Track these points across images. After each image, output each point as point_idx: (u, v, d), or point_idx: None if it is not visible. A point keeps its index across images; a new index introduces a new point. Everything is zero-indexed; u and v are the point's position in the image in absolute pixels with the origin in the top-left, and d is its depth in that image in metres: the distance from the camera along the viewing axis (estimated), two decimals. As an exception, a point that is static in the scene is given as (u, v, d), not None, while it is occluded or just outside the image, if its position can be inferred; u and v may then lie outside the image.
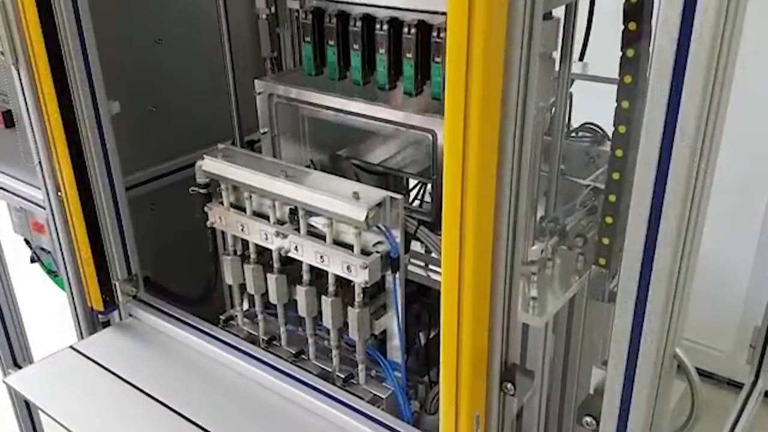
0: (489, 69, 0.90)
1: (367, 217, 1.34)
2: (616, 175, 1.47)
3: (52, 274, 2.30)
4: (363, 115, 1.55)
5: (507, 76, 0.93)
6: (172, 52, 2.04)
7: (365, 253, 1.42)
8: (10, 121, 1.91)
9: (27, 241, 2.29)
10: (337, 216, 1.39)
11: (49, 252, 2.23)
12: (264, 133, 1.78)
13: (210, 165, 1.59)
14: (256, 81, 1.73)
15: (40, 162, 1.82)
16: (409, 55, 1.46)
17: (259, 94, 1.73)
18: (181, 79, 2.08)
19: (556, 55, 1.41)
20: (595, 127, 2.04)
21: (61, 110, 1.61)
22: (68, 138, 1.63)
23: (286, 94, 1.68)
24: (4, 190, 2.09)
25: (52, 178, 1.82)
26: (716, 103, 0.90)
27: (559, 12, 1.35)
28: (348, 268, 1.42)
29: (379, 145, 1.78)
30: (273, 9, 1.82)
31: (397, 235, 1.40)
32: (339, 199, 1.38)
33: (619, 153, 1.45)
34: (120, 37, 1.86)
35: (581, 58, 1.95)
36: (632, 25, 1.36)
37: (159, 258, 2.03)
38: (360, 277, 1.41)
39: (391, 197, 1.38)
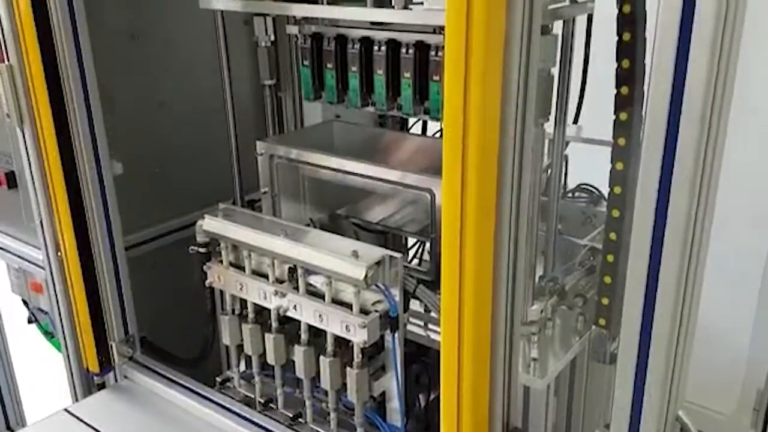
0: (486, 128, 0.92)
1: (366, 275, 1.34)
2: (613, 235, 1.48)
3: (49, 335, 2.28)
4: (362, 175, 1.57)
5: (503, 136, 0.95)
6: (175, 114, 2.08)
7: (364, 312, 1.42)
8: (13, 181, 1.93)
9: (25, 302, 2.28)
10: (337, 274, 1.40)
11: (47, 313, 2.22)
12: (264, 192, 1.80)
13: (210, 224, 1.60)
14: (258, 142, 1.77)
15: (41, 222, 1.83)
16: (407, 75, 1.50)
17: (261, 155, 1.76)
18: (182, 141, 2.11)
19: (551, 119, 1.44)
20: (590, 188, 2.07)
21: (64, 171, 1.63)
22: (70, 198, 1.65)
23: (286, 154, 1.71)
24: (4, 250, 2.09)
25: (52, 239, 1.83)
26: (710, 166, 0.92)
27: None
28: (347, 327, 1.41)
29: (378, 204, 1.80)
30: (272, 37, 1.86)
31: (396, 293, 1.40)
32: (338, 258, 1.38)
33: (615, 213, 1.46)
34: (124, 99, 1.90)
35: (575, 122, 1.99)
36: (624, 90, 1.40)
37: (156, 318, 2.01)
38: (359, 337, 1.40)
39: (390, 256, 1.39)
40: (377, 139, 1.91)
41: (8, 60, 1.69)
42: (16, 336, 2.58)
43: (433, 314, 1.59)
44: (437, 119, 1.55)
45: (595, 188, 2.04)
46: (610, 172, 1.45)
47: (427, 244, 1.80)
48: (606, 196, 1.96)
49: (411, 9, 1.42)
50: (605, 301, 1.54)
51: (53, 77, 1.59)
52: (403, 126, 2.31)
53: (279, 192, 1.79)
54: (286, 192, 1.80)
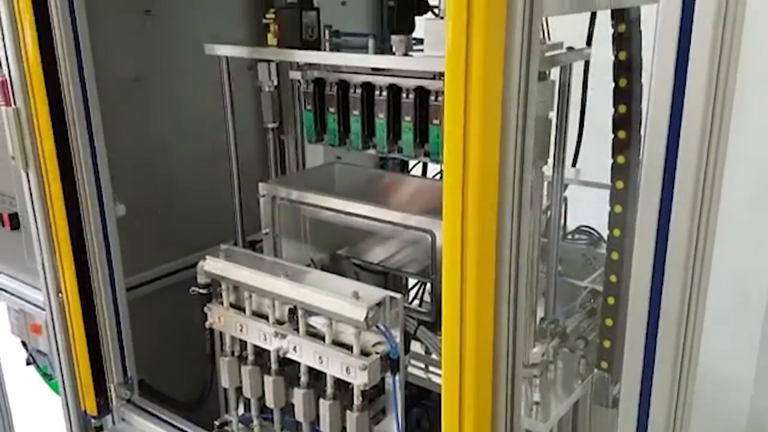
0: (485, 171, 0.94)
1: (366, 316, 1.34)
2: (613, 278, 1.49)
3: (47, 377, 2.26)
4: (364, 216, 1.58)
5: (502, 179, 0.96)
6: (176, 156, 2.11)
7: (365, 353, 1.41)
8: (16, 223, 1.94)
9: (24, 343, 2.27)
10: (337, 315, 1.39)
11: (46, 354, 2.21)
12: (266, 233, 1.81)
13: (212, 265, 1.60)
14: (260, 184, 1.78)
15: (42, 264, 1.84)
16: (407, 119, 1.53)
17: (263, 196, 1.78)
18: (182, 182, 2.13)
19: (549, 162, 1.46)
20: (590, 230, 2.08)
21: (67, 213, 1.64)
22: (73, 240, 1.66)
23: (288, 196, 1.73)
24: (5, 291, 2.09)
25: (53, 280, 1.83)
26: (707, 209, 0.93)
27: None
28: (347, 369, 1.41)
29: (379, 244, 1.80)
30: (276, 82, 1.90)
31: (397, 335, 1.40)
32: (339, 299, 1.38)
33: (615, 256, 1.47)
34: (126, 140, 1.92)
35: (573, 165, 2.02)
36: (622, 134, 1.42)
37: (153, 361, 2.00)
38: (359, 379, 1.39)
39: (391, 297, 1.39)
40: (378, 181, 1.93)
41: (15, 103, 1.71)
42: (13, 378, 2.56)
43: (434, 356, 1.58)
44: (437, 161, 1.57)
45: (594, 230, 2.05)
46: (609, 215, 1.47)
47: (428, 285, 1.81)
48: (603, 237, 1.98)
49: (411, 56, 1.46)
50: (607, 344, 1.53)
51: (59, 120, 1.61)
52: (404, 167, 2.34)
53: (280, 233, 1.80)
54: (287, 233, 1.81)
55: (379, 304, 1.37)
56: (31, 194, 1.78)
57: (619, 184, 1.42)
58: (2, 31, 1.65)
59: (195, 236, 2.18)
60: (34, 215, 1.79)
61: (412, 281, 1.92)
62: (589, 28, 1.53)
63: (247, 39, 2.25)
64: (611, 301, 1.48)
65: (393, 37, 1.45)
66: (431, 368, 1.61)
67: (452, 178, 0.96)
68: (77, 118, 1.60)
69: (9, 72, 1.69)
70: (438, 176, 1.94)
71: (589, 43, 1.59)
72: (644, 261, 0.91)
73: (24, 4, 1.52)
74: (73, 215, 1.66)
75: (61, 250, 1.68)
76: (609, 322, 1.50)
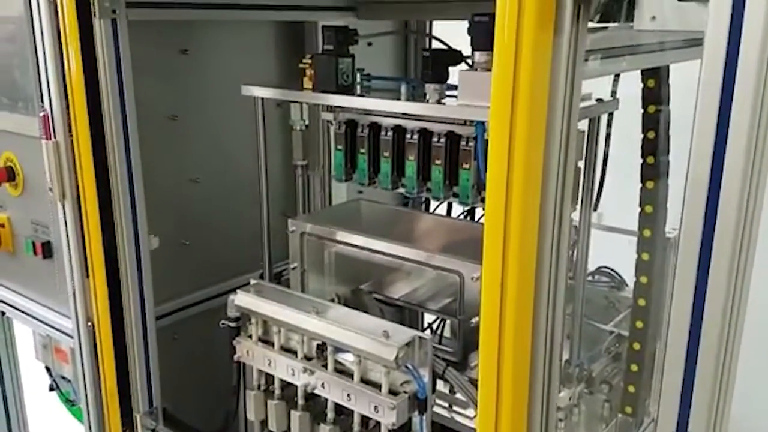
0: (527, 220, 0.97)
1: (396, 356, 1.36)
2: (639, 324, 1.51)
3: (70, 403, 2.28)
4: (393, 255, 1.62)
5: (543, 224, 0.99)
6: (204, 189, 2.16)
7: (393, 392, 1.43)
8: (48, 252, 1.98)
9: (48, 369, 2.30)
10: (367, 354, 1.42)
11: (70, 381, 2.24)
12: (294, 268, 1.85)
13: (242, 300, 1.64)
14: (289, 221, 1.83)
15: (74, 292, 1.87)
16: (438, 162, 1.57)
17: (292, 232, 1.82)
18: (209, 214, 2.18)
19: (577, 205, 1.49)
20: (610, 271, 2.10)
21: (103, 244, 1.68)
22: (108, 271, 1.69)
23: (318, 233, 1.77)
24: (32, 317, 2.13)
25: (84, 309, 1.87)
26: (744, 265, 0.94)
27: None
28: (375, 408, 1.43)
29: (402, 280, 1.83)
30: (306, 122, 1.95)
31: (425, 375, 1.42)
32: (369, 338, 1.41)
33: (641, 302, 1.50)
34: (159, 175, 1.97)
35: (595, 209, 2.05)
36: (650, 184, 1.46)
37: (177, 390, 2.02)
38: (387, 419, 1.41)
39: (420, 336, 1.41)
40: (402, 218, 1.97)
41: (55, 137, 1.77)
42: (34, 402, 2.59)
43: (458, 395, 1.60)
44: (465, 203, 1.60)
45: (614, 272, 2.08)
46: (636, 262, 1.50)
47: (446, 322, 1.84)
48: (625, 280, 2.01)
49: (444, 104, 1.51)
50: (632, 389, 1.56)
51: (99, 154, 1.66)
52: (426, 205, 2.38)
53: (308, 267, 1.83)
54: (313, 267, 1.84)
55: (408, 344, 1.40)
56: (66, 225, 1.82)
57: (647, 233, 1.46)
58: (46, 68, 1.72)
59: (219, 267, 2.23)
60: (68, 245, 1.84)
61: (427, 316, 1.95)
62: (613, 85, 1.57)
63: (278, 78, 2.33)
64: (637, 346, 1.51)
65: (428, 85, 1.50)
66: (455, 408, 1.63)
67: (493, 224, 0.99)
68: (117, 152, 1.65)
69: (51, 106, 1.75)
70: (463, 216, 1.97)
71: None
72: (682, 317, 0.92)
73: (72, 43, 1.58)
74: (108, 246, 1.70)
75: (95, 280, 1.71)
76: (634, 367, 1.52)
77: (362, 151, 1.72)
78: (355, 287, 1.87)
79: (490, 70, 1.40)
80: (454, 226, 1.85)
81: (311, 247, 1.81)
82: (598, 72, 1.03)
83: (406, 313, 1.88)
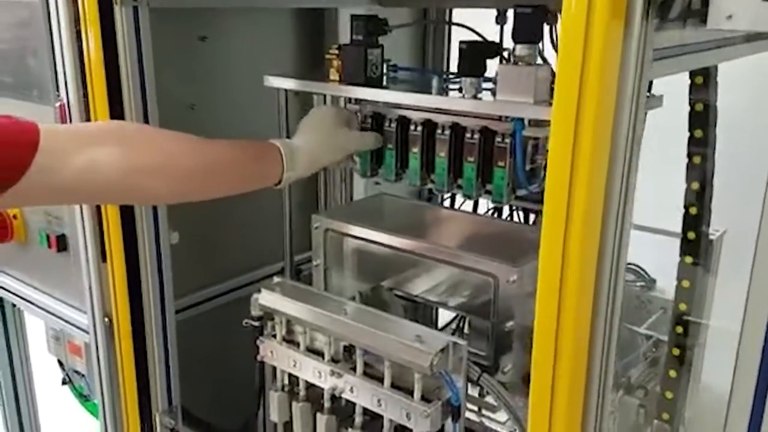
0: (588, 227, 0.92)
1: (431, 363, 1.32)
2: (679, 329, 1.47)
3: (83, 398, 2.25)
4: (425, 256, 1.57)
5: (605, 232, 0.94)
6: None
7: (425, 398, 1.39)
8: (63, 245, 1.93)
9: (60, 363, 2.26)
10: (401, 360, 1.37)
11: (83, 375, 2.20)
12: (317, 265, 1.80)
13: (267, 299, 1.59)
14: (312, 216, 1.77)
15: (90, 287, 1.82)
16: (470, 159, 1.51)
17: (316, 228, 1.77)
18: (226, 208, 2.12)
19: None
20: (637, 268, 2.05)
21: (124, 239, 1.63)
22: (128, 266, 1.64)
23: (344, 230, 1.71)
24: (46, 311, 2.08)
25: (100, 304, 1.82)
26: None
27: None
28: (408, 415, 1.38)
29: (424, 277, 1.77)
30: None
31: (459, 381, 1.37)
32: (403, 344, 1.36)
33: (682, 307, 1.45)
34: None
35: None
36: (695, 185, 1.40)
37: (194, 387, 1.98)
38: (420, 426, 1.36)
39: (455, 342, 1.36)
40: (428, 215, 1.91)
41: (72, 127, 1.71)
42: (46, 397, 2.55)
43: (487, 399, 1.56)
44: (499, 202, 1.55)
45: (643, 270, 2.03)
46: (679, 265, 1.45)
47: (466, 321, 1.80)
48: (654, 279, 1.96)
49: (480, 98, 1.44)
50: (669, 395, 1.51)
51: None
52: (443, 200, 2.32)
53: (331, 265, 1.78)
54: (336, 264, 1.79)
55: (443, 350, 1.35)
56: (82, 218, 1.77)
57: (691, 235, 1.41)
58: (63, 56, 1.66)
59: (236, 261, 2.18)
60: (84, 239, 1.79)
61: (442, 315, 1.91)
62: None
63: (295, 67, 2.26)
64: (676, 352, 1.46)
65: (464, 79, 1.44)
66: (485, 411, 1.59)
67: (553, 229, 0.94)
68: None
69: (68, 96, 1.69)
70: (490, 213, 1.92)
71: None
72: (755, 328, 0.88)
73: (92, 31, 1.52)
74: (128, 241, 1.65)
75: (114, 276, 1.66)
76: (673, 373, 1.48)
77: (390, 146, 1.66)
78: (380, 285, 1.82)
79: (531, 64, 1.35)
80: (482, 224, 1.79)
81: (335, 244, 1.76)
82: (666, 71, 0.97)
83: (420, 312, 1.83)
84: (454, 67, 2.47)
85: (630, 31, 0.84)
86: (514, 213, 1.92)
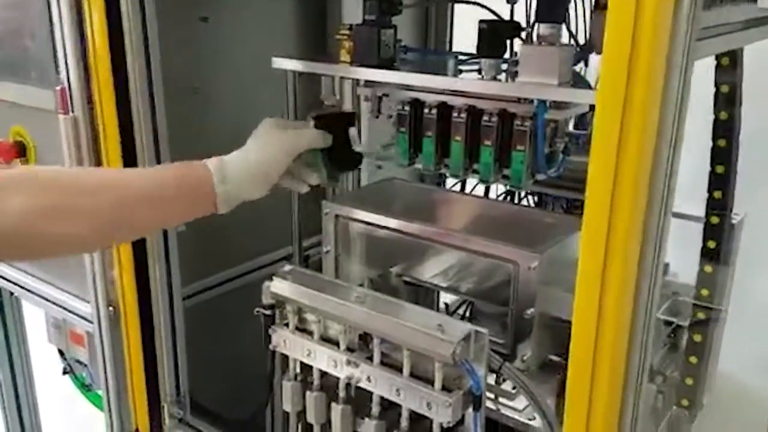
0: (633, 216, 0.89)
1: (454, 352, 1.29)
2: (701, 314, 1.45)
3: (85, 388, 2.21)
4: (443, 243, 1.53)
5: (649, 218, 0.91)
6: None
7: (445, 388, 1.36)
8: (64, 232, 1.88)
9: (61, 352, 2.22)
10: (421, 350, 1.34)
11: (86, 365, 2.16)
12: (327, 252, 1.76)
13: (279, 287, 1.55)
14: (323, 202, 1.74)
15: (93, 275, 1.78)
16: (488, 143, 1.47)
17: (326, 214, 1.73)
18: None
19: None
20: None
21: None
22: (135, 253, 1.60)
23: (356, 216, 1.68)
24: (47, 300, 2.04)
25: (104, 293, 1.78)
26: None
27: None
28: (428, 404, 1.35)
29: (435, 263, 1.74)
30: (338, 96, 1.84)
31: (481, 370, 1.35)
32: (424, 333, 1.33)
33: (704, 292, 1.43)
34: (183, 153, 1.86)
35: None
36: (720, 168, 1.38)
37: (200, 377, 1.95)
38: (442, 416, 1.34)
39: (476, 331, 1.33)
40: (440, 199, 1.88)
41: (73, 111, 1.66)
42: (45, 387, 2.51)
43: (504, 387, 1.53)
44: (517, 186, 1.52)
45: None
46: (702, 250, 1.43)
47: (472, 306, 1.77)
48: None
49: (500, 80, 1.41)
50: (689, 381, 1.50)
51: (124, 133, 1.56)
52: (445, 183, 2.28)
53: (341, 252, 1.75)
54: (346, 251, 1.76)
55: (465, 339, 1.32)
56: (86, 205, 1.73)
57: (714, 219, 1.38)
58: (63, 37, 1.60)
59: (240, 247, 2.14)
60: (88, 227, 1.74)
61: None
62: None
63: (298, 48, 2.21)
64: (698, 338, 1.45)
65: (483, 60, 1.40)
66: (501, 399, 1.56)
67: (596, 215, 0.91)
68: (144, 130, 1.55)
69: (69, 79, 1.64)
70: (502, 198, 1.89)
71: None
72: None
73: (96, 11, 1.46)
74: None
75: (121, 262, 1.62)
76: (694, 359, 1.46)
77: (402, 129, 1.62)
78: (390, 272, 1.79)
79: (554, 44, 1.31)
80: (496, 209, 1.76)
81: (347, 231, 1.72)
82: (711, 50, 0.94)
83: (421, 299, 1.80)
84: (457, 47, 2.43)
85: (679, 8, 0.80)
86: (519, 198, 1.91)
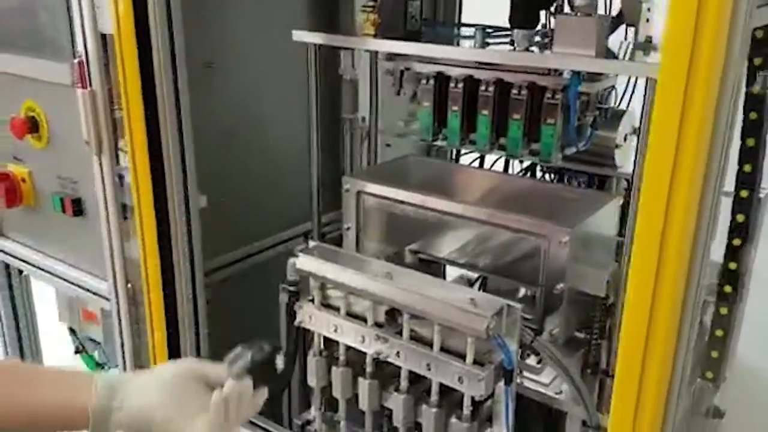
0: (691, 194, 0.88)
1: (488, 327, 1.29)
2: (728, 288, 1.45)
3: (99, 367, 2.19)
4: (470, 218, 1.53)
5: (704, 198, 0.91)
6: (240, 144, 2.03)
7: (476, 362, 1.36)
8: (78, 209, 1.86)
9: (72, 330, 2.20)
10: (455, 324, 1.34)
11: (99, 343, 2.14)
12: (347, 228, 1.75)
13: (305, 263, 1.54)
14: (343, 178, 1.72)
15: (111, 252, 1.76)
16: (516, 117, 1.46)
17: (347, 191, 1.72)
18: (250, 170, 2.06)
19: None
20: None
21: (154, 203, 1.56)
22: (159, 230, 1.58)
23: (378, 192, 1.66)
24: (59, 277, 2.01)
25: (122, 269, 1.76)
26: None
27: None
28: (459, 378, 1.36)
29: (454, 239, 1.73)
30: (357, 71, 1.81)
31: (513, 345, 1.35)
32: (457, 308, 1.33)
33: (732, 265, 1.44)
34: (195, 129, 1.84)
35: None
36: (750, 141, 1.38)
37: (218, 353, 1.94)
38: (474, 390, 1.34)
39: (509, 305, 1.34)
40: (458, 175, 1.87)
41: (91, 85, 1.63)
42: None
43: (528, 361, 1.54)
44: (547, 161, 1.51)
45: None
46: (731, 223, 1.43)
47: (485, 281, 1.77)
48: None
49: (532, 51, 1.39)
50: (715, 354, 1.51)
51: (149, 104, 1.53)
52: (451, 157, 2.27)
53: (362, 228, 1.74)
54: (368, 227, 1.75)
55: (497, 313, 1.32)
56: (103, 181, 1.70)
57: (744, 193, 1.39)
58: (81, 9, 1.56)
59: (256, 224, 2.12)
60: (105, 203, 1.72)
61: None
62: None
63: (310, 22, 2.17)
64: (724, 311, 1.46)
65: (516, 31, 1.39)
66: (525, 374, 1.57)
67: (654, 196, 0.90)
68: (167, 104, 1.52)
69: (86, 52, 1.60)
70: (522, 174, 1.88)
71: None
72: None
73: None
74: (160, 205, 1.58)
75: (145, 239, 1.60)
76: (720, 332, 1.47)
77: (426, 104, 1.60)
78: (403, 247, 1.78)
79: (590, 14, 1.30)
80: (519, 184, 1.76)
81: (368, 207, 1.71)
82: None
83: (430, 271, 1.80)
84: (465, 19, 2.40)
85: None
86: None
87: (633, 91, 1.72)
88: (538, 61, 1.37)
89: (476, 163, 1.95)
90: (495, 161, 1.92)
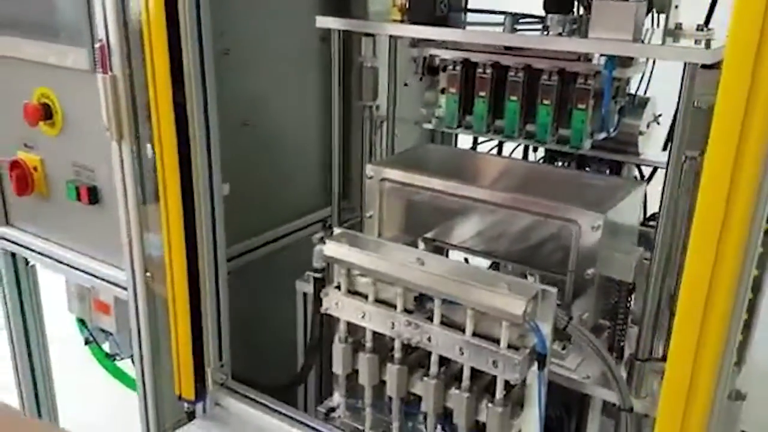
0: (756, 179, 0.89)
1: (525, 311, 1.30)
2: (755, 271, 1.47)
3: (110, 358, 2.17)
4: (498, 204, 1.53)
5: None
6: (258, 134, 2.01)
7: (510, 346, 1.37)
8: (94, 197, 1.83)
9: (82, 321, 2.17)
10: (491, 309, 1.34)
11: (110, 334, 2.11)
12: (370, 216, 1.75)
13: (333, 250, 1.53)
14: (367, 165, 1.72)
15: (130, 241, 1.74)
16: (546, 102, 1.47)
17: (370, 178, 1.71)
18: (264, 159, 2.05)
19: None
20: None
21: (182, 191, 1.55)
22: (185, 219, 1.56)
23: (403, 179, 1.66)
24: (70, 266, 1.98)
25: (141, 258, 1.74)
26: None
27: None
28: (494, 363, 1.36)
29: (498, 230, 1.73)
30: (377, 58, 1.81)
31: (547, 329, 1.36)
32: (493, 292, 1.33)
33: (759, 249, 1.46)
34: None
35: (665, 148, 2.00)
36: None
37: (237, 342, 1.93)
38: (509, 374, 1.35)
39: (544, 290, 1.34)
40: (478, 163, 1.87)
41: (112, 71, 1.60)
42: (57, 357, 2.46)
43: (555, 347, 1.55)
44: (576, 147, 1.52)
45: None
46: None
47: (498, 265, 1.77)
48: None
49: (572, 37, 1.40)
50: (740, 337, 1.53)
51: (179, 96, 1.51)
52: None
53: (385, 215, 1.74)
54: (391, 215, 1.75)
55: (534, 298, 1.33)
56: (122, 169, 1.68)
57: None
58: (102, -5, 1.54)
59: (271, 213, 2.11)
60: (125, 191, 1.69)
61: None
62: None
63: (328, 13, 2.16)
64: (750, 295, 1.47)
65: (550, 16, 1.39)
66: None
67: (715, 185, 0.91)
68: (195, 93, 1.50)
69: (108, 36, 1.58)
70: (542, 161, 1.89)
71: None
72: None
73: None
74: (185, 193, 1.56)
75: (170, 229, 1.58)
76: (745, 315, 1.49)
77: (452, 91, 1.61)
78: (422, 235, 1.78)
79: (627, -1, 1.30)
80: (543, 171, 1.76)
81: (391, 194, 1.71)
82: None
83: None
84: (473, 5, 2.40)
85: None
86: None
87: (649, 80, 1.74)
88: (584, 47, 1.37)
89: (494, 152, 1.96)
90: (513, 150, 1.93)
